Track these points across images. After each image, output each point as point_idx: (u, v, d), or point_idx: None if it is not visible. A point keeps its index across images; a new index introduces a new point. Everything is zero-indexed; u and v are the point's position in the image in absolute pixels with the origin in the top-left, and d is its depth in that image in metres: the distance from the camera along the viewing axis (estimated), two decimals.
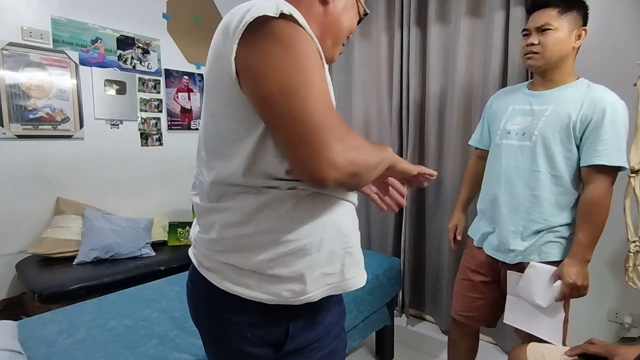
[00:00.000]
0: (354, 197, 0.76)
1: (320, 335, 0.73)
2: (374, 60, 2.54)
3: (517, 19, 1.89)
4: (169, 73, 2.75)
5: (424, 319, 2.44)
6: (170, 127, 2.79)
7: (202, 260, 0.73)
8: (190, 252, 0.78)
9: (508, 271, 1.26)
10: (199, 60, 2.92)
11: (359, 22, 0.82)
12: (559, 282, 1.15)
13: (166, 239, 2.49)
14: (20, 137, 2.10)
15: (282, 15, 0.56)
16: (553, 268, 1.18)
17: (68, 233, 2.14)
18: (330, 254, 0.68)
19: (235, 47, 0.58)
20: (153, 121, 2.69)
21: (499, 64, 1.97)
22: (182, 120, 2.86)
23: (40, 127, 2.17)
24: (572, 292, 1.14)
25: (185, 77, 2.85)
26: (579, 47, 1.22)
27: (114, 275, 1.96)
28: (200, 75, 2.93)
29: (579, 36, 1.20)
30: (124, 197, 2.55)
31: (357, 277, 0.73)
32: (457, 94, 2.12)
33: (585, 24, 1.22)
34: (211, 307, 0.73)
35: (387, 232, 2.45)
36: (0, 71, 2.02)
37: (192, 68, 2.88)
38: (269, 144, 0.62)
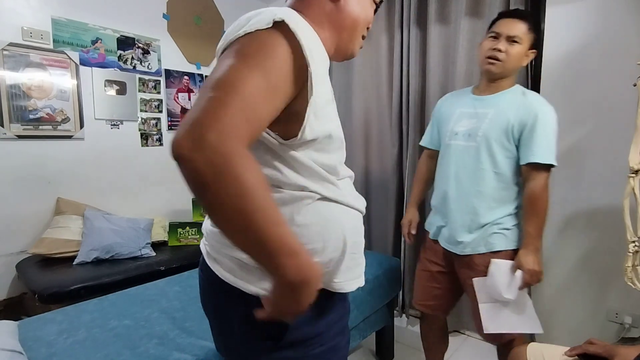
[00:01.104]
0: (361, 205, 0.77)
1: (321, 331, 0.73)
2: (374, 60, 2.54)
3: None
4: (169, 73, 2.75)
5: None
6: (170, 128, 2.79)
7: (210, 251, 0.74)
8: (201, 242, 0.80)
9: (473, 279, 1.32)
10: (199, 61, 2.92)
11: (375, 12, 0.80)
12: (519, 272, 1.24)
13: (166, 239, 2.49)
14: (20, 137, 2.11)
15: (275, 23, 0.58)
16: (511, 262, 1.27)
17: (68, 233, 2.14)
18: (329, 259, 0.70)
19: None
20: (153, 121, 2.69)
21: None
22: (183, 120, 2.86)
23: (40, 127, 2.17)
24: (533, 278, 1.23)
25: (186, 77, 2.85)
26: (523, 64, 1.34)
27: (114, 275, 1.96)
28: (201, 75, 2.93)
29: (527, 56, 1.31)
30: (124, 198, 2.56)
31: (343, 282, 0.73)
32: None
33: (534, 48, 1.32)
34: (215, 296, 0.75)
35: (387, 232, 2.45)
36: (1, 71, 2.02)
37: (192, 68, 2.88)
38: (261, 149, 0.64)
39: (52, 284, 1.80)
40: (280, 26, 0.59)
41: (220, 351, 0.85)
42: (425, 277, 1.52)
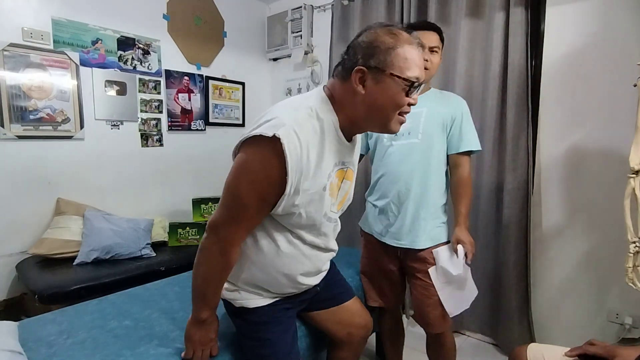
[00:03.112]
0: (291, 247, 1.02)
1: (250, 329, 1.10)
2: None
3: (517, 20, 1.89)
4: (169, 74, 2.75)
5: None
6: (170, 128, 2.79)
7: None
8: None
9: (429, 269, 1.42)
10: (199, 61, 2.92)
11: (410, 92, 0.90)
12: (460, 248, 1.37)
13: (166, 239, 2.49)
14: (20, 137, 2.11)
15: (274, 137, 0.81)
16: (447, 245, 1.43)
17: (68, 234, 2.14)
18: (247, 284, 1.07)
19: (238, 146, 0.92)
20: (153, 122, 2.69)
21: (499, 65, 1.97)
22: (183, 121, 2.86)
23: (40, 127, 2.17)
24: (473, 248, 1.38)
25: (186, 77, 2.85)
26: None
27: (115, 276, 1.96)
28: (200, 76, 2.93)
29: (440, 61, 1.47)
30: (124, 198, 2.56)
31: (243, 300, 1.07)
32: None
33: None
34: None
35: None
36: (1, 72, 2.03)
37: (192, 69, 2.89)
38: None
39: (52, 285, 1.80)
40: (278, 140, 0.81)
41: None
42: (374, 275, 1.59)
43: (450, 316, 1.44)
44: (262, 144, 0.83)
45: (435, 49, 1.39)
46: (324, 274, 1.21)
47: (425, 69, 1.36)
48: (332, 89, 0.94)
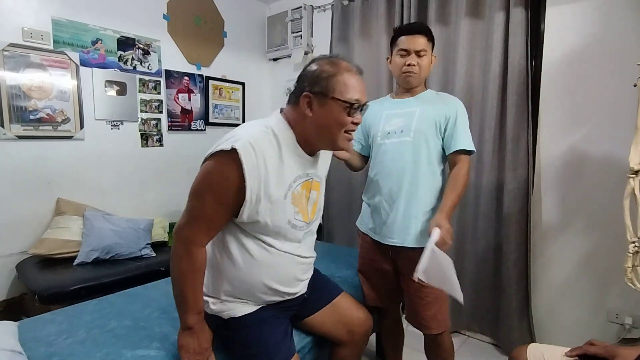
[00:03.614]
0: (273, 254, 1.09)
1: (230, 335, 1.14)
2: (374, 61, 2.54)
3: (517, 20, 1.89)
4: (169, 74, 2.75)
5: None
6: (170, 128, 2.79)
7: None
8: None
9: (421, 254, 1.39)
10: (199, 61, 2.92)
11: (351, 112, 1.02)
12: (436, 231, 1.27)
13: (166, 239, 2.49)
14: (20, 137, 2.11)
15: (232, 149, 0.92)
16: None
17: (68, 234, 2.14)
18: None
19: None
20: (153, 122, 2.69)
21: (499, 65, 1.97)
22: (183, 121, 2.86)
23: (40, 127, 2.17)
24: (449, 235, 1.29)
25: (186, 78, 2.85)
26: (431, 69, 1.51)
27: (114, 276, 1.96)
28: (201, 76, 2.93)
29: (432, 61, 1.48)
30: (124, 198, 2.56)
31: (230, 310, 1.11)
32: (457, 95, 2.10)
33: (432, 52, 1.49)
34: None
35: None
36: (1, 72, 2.03)
37: (192, 69, 2.89)
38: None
39: (52, 285, 1.80)
40: (235, 152, 0.92)
41: None
42: (371, 275, 1.59)
43: (415, 274, 1.37)
44: (221, 156, 0.95)
45: (422, 52, 1.40)
46: (305, 282, 1.24)
47: (413, 72, 1.42)
48: (287, 113, 1.08)
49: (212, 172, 0.96)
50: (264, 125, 1.03)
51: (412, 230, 1.42)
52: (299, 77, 1.06)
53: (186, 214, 0.99)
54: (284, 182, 1.03)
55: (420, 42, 1.40)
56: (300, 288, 1.21)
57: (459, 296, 1.26)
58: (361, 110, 1.05)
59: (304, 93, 1.01)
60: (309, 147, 1.09)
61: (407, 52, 1.41)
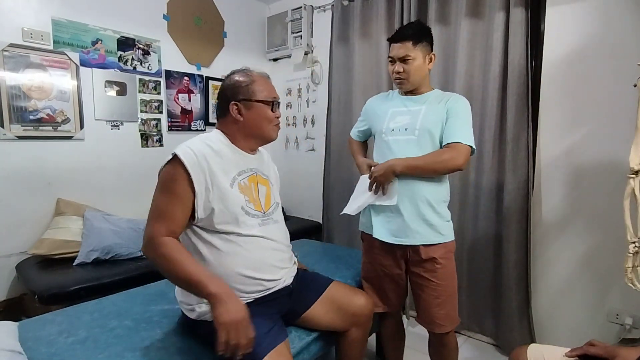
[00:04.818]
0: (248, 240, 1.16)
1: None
2: (374, 61, 2.54)
3: (517, 20, 1.89)
4: (169, 74, 2.75)
5: None
6: (170, 128, 2.79)
7: None
8: None
9: (362, 176, 1.52)
10: (199, 62, 2.92)
11: (273, 108, 1.24)
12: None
13: None
14: (20, 138, 2.11)
15: (174, 156, 1.10)
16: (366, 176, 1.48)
17: (68, 234, 2.14)
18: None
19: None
20: (153, 122, 2.69)
21: (499, 65, 1.97)
22: (183, 121, 2.86)
23: (40, 128, 2.17)
24: (378, 169, 1.41)
25: (186, 78, 2.85)
26: (430, 68, 1.49)
27: (114, 276, 1.96)
28: (201, 76, 2.93)
29: (430, 60, 1.47)
30: (124, 198, 2.56)
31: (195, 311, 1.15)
32: None
33: (432, 49, 1.47)
34: None
35: None
36: (1, 72, 2.02)
37: (192, 69, 2.89)
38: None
39: (52, 285, 1.80)
40: (177, 158, 1.08)
41: None
42: (375, 279, 1.57)
43: (343, 211, 1.53)
44: (167, 165, 1.12)
45: (406, 58, 1.40)
46: (286, 271, 1.26)
47: (402, 78, 1.45)
48: (220, 126, 1.25)
49: (162, 177, 1.12)
50: (200, 137, 1.19)
51: (422, 228, 1.40)
52: (220, 93, 1.25)
53: (149, 215, 1.13)
54: (228, 173, 1.15)
55: (402, 49, 1.40)
56: (281, 276, 1.23)
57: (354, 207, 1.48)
58: (278, 105, 1.27)
59: (231, 102, 1.19)
60: (248, 145, 1.25)
61: (393, 60, 1.45)
